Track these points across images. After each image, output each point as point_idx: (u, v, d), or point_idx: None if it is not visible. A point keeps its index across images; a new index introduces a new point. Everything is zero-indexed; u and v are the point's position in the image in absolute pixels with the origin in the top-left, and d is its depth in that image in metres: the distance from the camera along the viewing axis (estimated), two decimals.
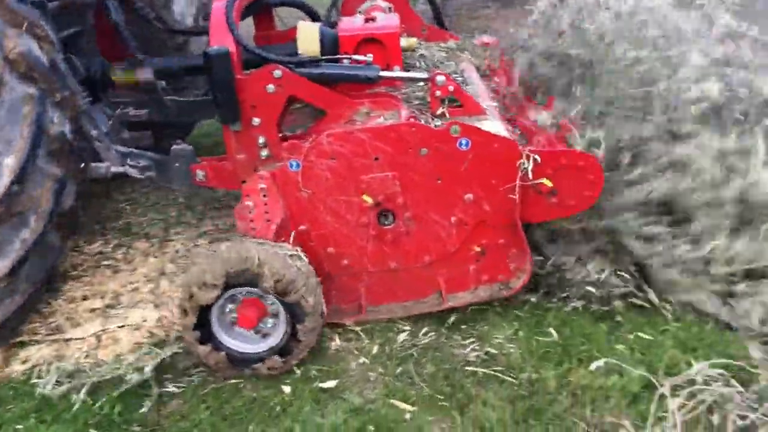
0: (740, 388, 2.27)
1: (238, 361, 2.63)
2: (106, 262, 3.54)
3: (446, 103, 2.77)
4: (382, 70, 2.82)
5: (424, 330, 2.85)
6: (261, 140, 2.76)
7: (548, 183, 2.62)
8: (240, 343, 2.64)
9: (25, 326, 3.02)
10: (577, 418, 2.34)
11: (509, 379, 2.55)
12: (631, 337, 2.69)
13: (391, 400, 2.49)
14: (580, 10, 3.25)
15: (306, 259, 2.58)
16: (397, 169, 2.66)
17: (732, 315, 2.66)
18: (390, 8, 3.42)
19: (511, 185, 2.63)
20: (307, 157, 2.66)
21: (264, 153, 2.78)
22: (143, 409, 2.52)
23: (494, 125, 2.73)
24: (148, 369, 2.67)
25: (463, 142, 2.60)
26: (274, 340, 2.64)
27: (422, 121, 2.70)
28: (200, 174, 3.02)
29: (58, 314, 3.12)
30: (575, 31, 3.13)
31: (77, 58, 3.30)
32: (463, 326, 2.87)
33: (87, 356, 2.85)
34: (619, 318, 2.80)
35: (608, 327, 2.76)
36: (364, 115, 2.81)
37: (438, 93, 2.75)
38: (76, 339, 2.95)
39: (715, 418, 2.19)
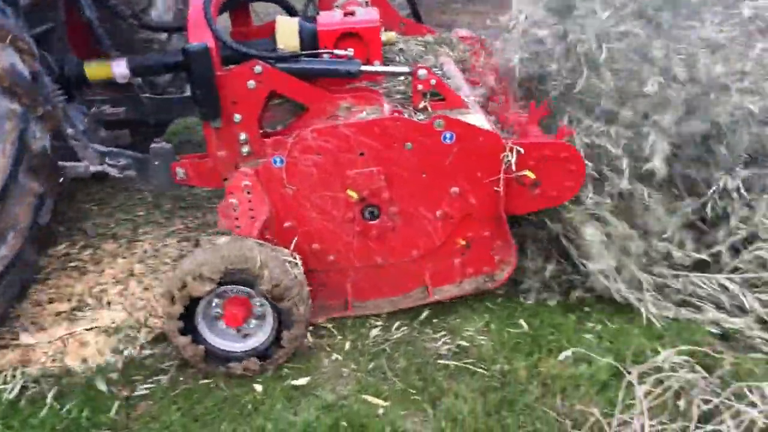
0: (704, 374, 2.32)
1: (215, 358, 2.60)
2: (72, 264, 3.46)
3: (428, 96, 2.77)
4: (363, 64, 2.81)
5: (397, 325, 2.85)
6: (242, 137, 2.73)
7: (531, 175, 2.65)
8: (220, 339, 2.62)
9: None
10: (547, 407, 2.37)
11: (481, 370, 2.57)
12: (600, 327, 2.73)
13: (364, 396, 2.49)
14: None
15: (302, 268, 2.58)
16: (382, 164, 2.66)
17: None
18: (367, 2, 3.40)
19: (496, 178, 2.65)
20: (291, 153, 2.65)
21: (245, 150, 2.75)
22: (112, 413, 2.49)
23: (477, 118, 2.74)
24: (116, 371, 2.63)
25: (448, 135, 2.61)
26: (255, 342, 2.62)
27: (406, 116, 2.70)
28: (180, 172, 2.97)
29: (23, 318, 3.05)
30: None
31: (50, 55, 3.23)
32: (435, 320, 2.88)
33: (54, 360, 2.79)
34: (587, 308, 2.85)
35: (577, 317, 2.81)
36: (346, 110, 2.80)
37: (420, 87, 2.75)
38: (43, 343, 2.89)
39: (681, 404, 2.23)
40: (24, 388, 2.61)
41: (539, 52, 3.05)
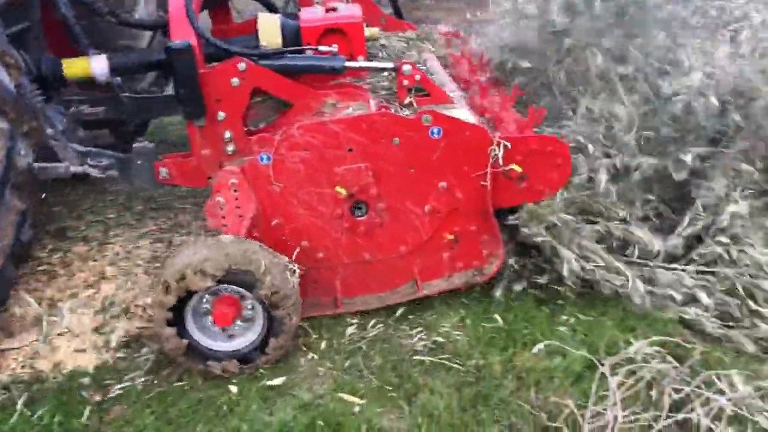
0: (675, 364, 2.36)
1: (195, 354, 2.57)
2: (41, 268, 3.40)
3: (413, 92, 2.77)
4: (347, 60, 2.79)
5: (372, 322, 2.85)
6: (227, 135, 2.71)
7: (518, 169, 2.66)
8: (204, 336, 2.59)
9: None
10: (522, 401, 2.38)
11: (456, 366, 2.58)
12: (573, 319, 2.76)
13: (340, 394, 2.48)
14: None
15: (298, 278, 2.58)
16: (370, 160, 2.65)
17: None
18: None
19: (483, 172, 2.66)
20: (279, 150, 2.63)
21: (230, 148, 2.73)
22: (84, 418, 2.45)
23: (462, 113, 2.75)
24: (88, 376, 2.59)
25: (435, 130, 2.62)
26: (239, 344, 2.61)
27: (392, 111, 2.69)
28: (164, 172, 2.92)
29: None
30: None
31: (26, 55, 3.16)
32: (410, 316, 2.89)
33: (24, 366, 2.74)
34: (561, 301, 2.87)
35: (551, 310, 2.83)
36: (331, 107, 2.80)
37: (405, 82, 2.75)
38: (13, 349, 2.84)
39: (653, 394, 2.27)
40: None
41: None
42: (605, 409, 2.19)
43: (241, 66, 2.63)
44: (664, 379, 2.29)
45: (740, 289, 2.67)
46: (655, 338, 2.47)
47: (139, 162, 2.94)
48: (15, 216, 2.70)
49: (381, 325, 2.84)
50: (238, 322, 2.59)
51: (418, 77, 2.73)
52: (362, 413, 2.39)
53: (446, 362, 2.60)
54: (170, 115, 4.12)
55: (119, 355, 2.76)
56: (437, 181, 2.71)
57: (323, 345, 2.75)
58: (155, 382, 2.62)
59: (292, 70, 2.75)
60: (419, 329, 2.80)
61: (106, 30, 3.71)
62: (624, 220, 2.81)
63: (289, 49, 2.80)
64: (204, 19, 3.16)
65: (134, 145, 2.95)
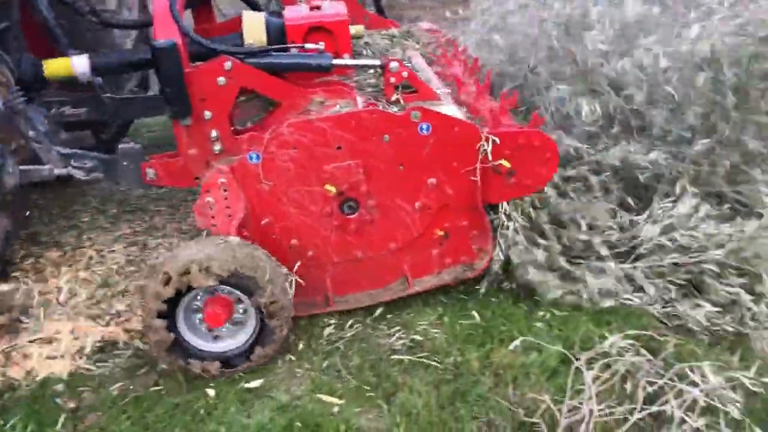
0: (649, 357, 2.38)
1: (179, 350, 2.54)
2: (13, 274, 3.34)
3: (400, 89, 2.77)
4: (333, 58, 2.78)
5: (350, 322, 2.85)
6: (213, 134, 2.69)
7: (507, 164, 2.67)
8: (190, 333, 2.58)
9: None
10: (500, 397, 2.39)
11: (434, 363, 2.58)
12: (549, 315, 2.78)
13: (318, 395, 2.48)
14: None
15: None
16: (360, 157, 2.65)
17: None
18: None
19: (472, 167, 2.67)
20: (268, 149, 2.62)
21: (217, 147, 2.71)
22: (58, 426, 2.41)
23: (450, 110, 2.75)
24: (61, 383, 2.56)
25: (424, 126, 2.62)
26: (225, 347, 2.60)
27: (380, 108, 2.69)
28: (150, 172, 2.89)
29: None
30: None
31: (6, 56, 3.10)
32: (388, 316, 2.89)
33: None
34: (537, 297, 2.89)
35: (527, 306, 2.85)
36: (319, 105, 2.78)
37: (392, 79, 2.74)
38: None
39: (628, 387, 2.29)
40: None
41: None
42: (581, 404, 2.21)
43: (227, 65, 2.61)
44: (638, 372, 2.31)
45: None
46: (629, 332, 2.50)
47: (125, 163, 2.91)
48: (2, 234, 2.70)
49: (359, 324, 2.84)
50: (227, 325, 2.58)
51: (405, 74, 2.73)
52: (340, 413, 2.39)
53: (424, 360, 2.60)
54: (152, 116, 4.07)
55: (93, 361, 2.73)
56: (427, 177, 2.72)
57: (301, 346, 2.74)
58: (131, 387, 2.59)
59: (278, 69, 2.74)
60: (397, 328, 2.80)
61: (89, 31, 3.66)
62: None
63: (275, 47, 2.78)
64: (186, 19, 3.13)
65: (120, 146, 2.92)
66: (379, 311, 2.90)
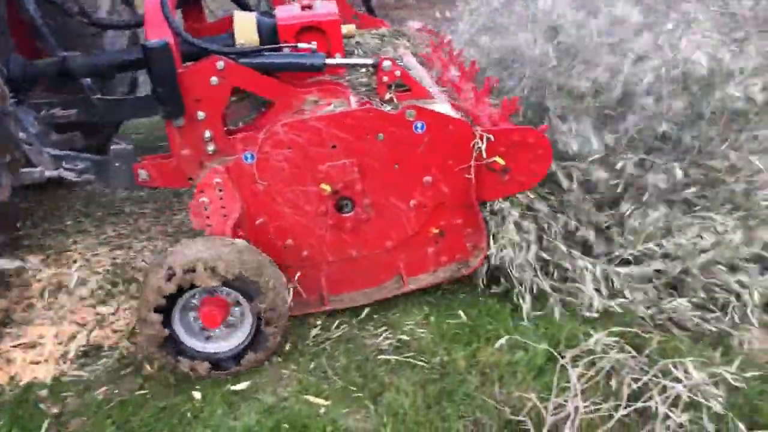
0: (634, 354, 2.40)
1: (170, 346, 2.52)
2: None
3: (393, 88, 2.77)
4: (326, 57, 2.77)
5: (336, 323, 2.85)
6: (207, 134, 2.67)
7: (501, 161, 2.68)
8: (183, 331, 2.56)
9: None
10: (486, 395, 2.40)
11: (421, 363, 2.59)
12: (535, 313, 2.79)
13: (305, 396, 2.47)
14: None
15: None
16: (355, 156, 2.65)
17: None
18: None
19: (467, 165, 2.68)
20: (263, 149, 2.61)
21: (210, 148, 2.69)
22: (42, 431, 2.39)
23: (444, 108, 2.76)
24: (45, 388, 2.53)
25: (419, 125, 2.62)
26: (216, 348, 2.59)
27: (374, 107, 2.69)
28: (143, 174, 2.86)
29: None
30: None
31: None
32: (375, 316, 2.89)
33: None
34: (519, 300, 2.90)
35: (513, 305, 2.85)
36: (313, 104, 2.77)
37: (385, 78, 2.74)
38: None
39: (613, 384, 2.31)
40: None
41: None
42: (567, 401, 2.22)
43: (220, 65, 2.60)
44: (623, 369, 2.33)
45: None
46: (613, 329, 2.51)
47: (117, 164, 2.89)
48: None
49: (345, 325, 2.83)
50: (221, 327, 2.57)
51: (398, 73, 2.74)
52: (327, 414, 2.39)
53: (411, 360, 2.60)
54: (142, 117, 4.05)
55: (77, 365, 2.71)
56: (422, 175, 2.73)
57: (287, 347, 2.73)
58: (116, 391, 2.57)
59: (271, 68, 2.72)
60: (384, 328, 2.81)
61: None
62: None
63: (267, 47, 2.77)
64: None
65: (112, 147, 2.90)
66: (365, 312, 2.89)
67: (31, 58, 3.29)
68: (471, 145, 2.66)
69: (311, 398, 2.47)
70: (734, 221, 2.80)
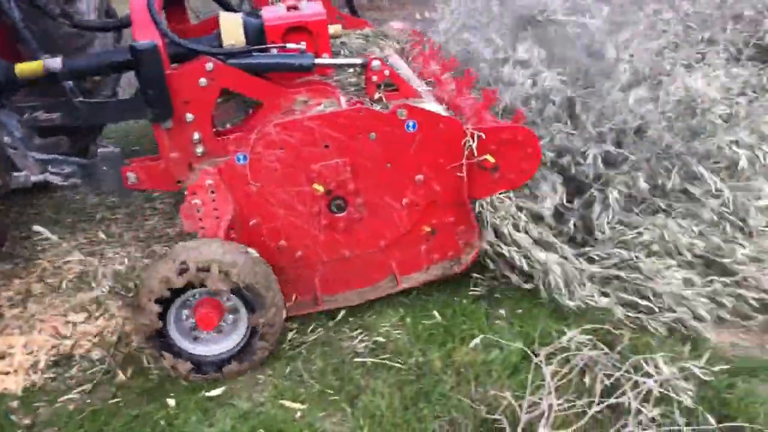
0: (606, 350, 2.44)
1: (157, 340, 2.50)
2: None
3: (382, 87, 2.77)
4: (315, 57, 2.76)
5: (312, 326, 2.84)
6: (196, 136, 2.65)
7: (491, 159, 2.70)
8: (175, 328, 2.54)
9: None
10: (462, 395, 2.42)
11: (397, 365, 2.59)
12: (509, 312, 2.81)
13: (281, 401, 2.46)
14: None
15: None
16: (347, 155, 2.64)
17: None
18: None
19: (458, 163, 2.69)
20: (255, 149, 2.59)
21: (199, 149, 2.67)
22: None
23: (433, 107, 2.76)
24: (16, 399, 2.49)
25: (410, 124, 2.63)
26: (203, 351, 2.58)
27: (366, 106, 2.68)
28: (132, 177, 2.82)
29: None
30: None
31: None
32: (351, 318, 2.89)
33: None
34: (498, 295, 2.93)
35: (488, 304, 2.88)
36: (303, 104, 2.76)
37: (374, 78, 2.74)
38: None
39: (586, 380, 2.34)
40: None
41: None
42: (541, 399, 2.24)
43: (209, 66, 2.58)
44: (596, 366, 2.37)
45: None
46: (586, 326, 2.54)
47: (104, 168, 2.84)
48: None
49: (321, 328, 2.83)
50: (212, 330, 2.55)
51: (387, 72, 2.74)
52: (304, 418, 2.38)
53: (387, 362, 2.61)
54: (126, 120, 3.99)
55: (48, 375, 2.66)
56: (414, 174, 2.73)
57: None
58: (87, 401, 2.53)
59: (260, 69, 2.71)
60: (359, 330, 2.81)
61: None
62: None
63: (256, 47, 2.75)
64: None
65: (99, 150, 2.85)
66: (341, 314, 2.89)
67: (12, 62, 3.23)
68: (462, 143, 2.68)
69: (287, 403, 2.46)
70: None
